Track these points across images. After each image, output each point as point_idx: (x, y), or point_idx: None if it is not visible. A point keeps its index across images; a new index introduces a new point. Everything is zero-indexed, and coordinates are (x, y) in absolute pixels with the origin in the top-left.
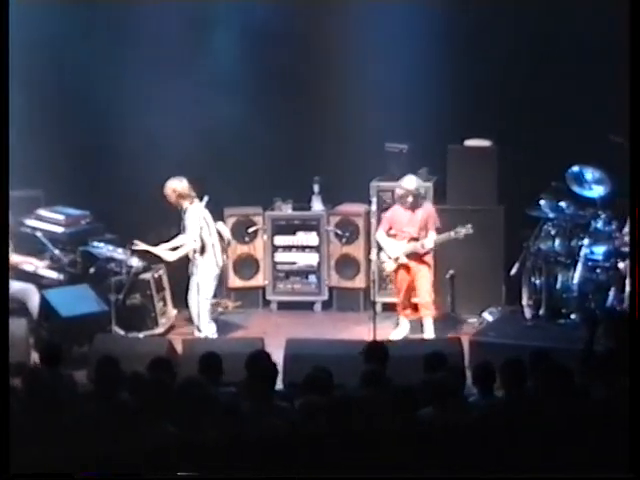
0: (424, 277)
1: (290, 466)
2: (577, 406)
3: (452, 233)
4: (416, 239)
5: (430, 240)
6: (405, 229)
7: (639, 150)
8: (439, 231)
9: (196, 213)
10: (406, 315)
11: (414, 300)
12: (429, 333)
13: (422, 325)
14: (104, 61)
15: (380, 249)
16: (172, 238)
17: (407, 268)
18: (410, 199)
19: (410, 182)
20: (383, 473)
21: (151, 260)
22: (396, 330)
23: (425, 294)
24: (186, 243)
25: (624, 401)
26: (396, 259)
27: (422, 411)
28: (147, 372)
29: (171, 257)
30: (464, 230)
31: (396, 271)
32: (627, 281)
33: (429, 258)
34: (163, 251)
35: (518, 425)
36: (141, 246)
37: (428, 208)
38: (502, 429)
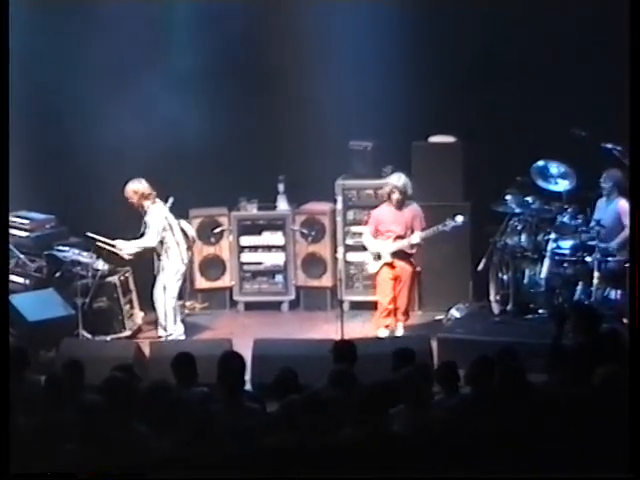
0: (408, 280)
1: (266, 467)
2: (563, 402)
3: (440, 226)
4: (402, 237)
5: (416, 235)
6: (391, 227)
7: (639, 151)
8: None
9: (158, 212)
10: (387, 326)
11: (397, 306)
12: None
13: (393, 331)
14: (64, 63)
15: (363, 250)
16: (136, 238)
17: (392, 268)
18: (397, 196)
19: (398, 179)
20: (357, 474)
21: (117, 263)
22: None
23: (405, 299)
24: (146, 239)
25: (621, 400)
26: (379, 257)
27: (393, 410)
28: (112, 375)
29: (126, 250)
30: (453, 223)
31: (380, 274)
32: (595, 274)
33: (413, 261)
34: (118, 243)
35: (506, 423)
36: (96, 238)
37: (415, 208)
38: (491, 428)
